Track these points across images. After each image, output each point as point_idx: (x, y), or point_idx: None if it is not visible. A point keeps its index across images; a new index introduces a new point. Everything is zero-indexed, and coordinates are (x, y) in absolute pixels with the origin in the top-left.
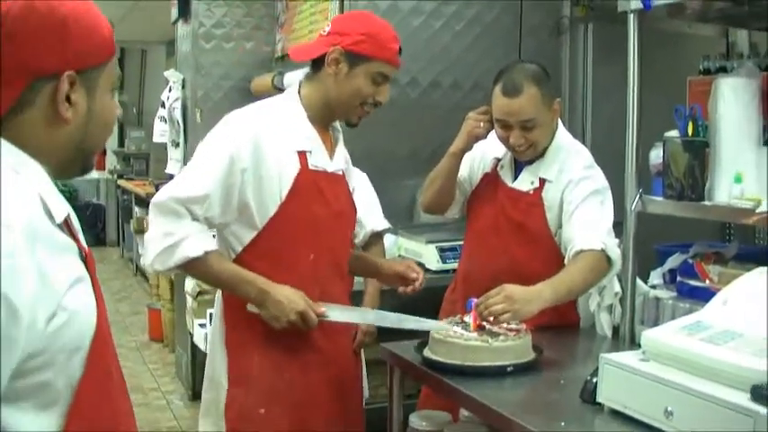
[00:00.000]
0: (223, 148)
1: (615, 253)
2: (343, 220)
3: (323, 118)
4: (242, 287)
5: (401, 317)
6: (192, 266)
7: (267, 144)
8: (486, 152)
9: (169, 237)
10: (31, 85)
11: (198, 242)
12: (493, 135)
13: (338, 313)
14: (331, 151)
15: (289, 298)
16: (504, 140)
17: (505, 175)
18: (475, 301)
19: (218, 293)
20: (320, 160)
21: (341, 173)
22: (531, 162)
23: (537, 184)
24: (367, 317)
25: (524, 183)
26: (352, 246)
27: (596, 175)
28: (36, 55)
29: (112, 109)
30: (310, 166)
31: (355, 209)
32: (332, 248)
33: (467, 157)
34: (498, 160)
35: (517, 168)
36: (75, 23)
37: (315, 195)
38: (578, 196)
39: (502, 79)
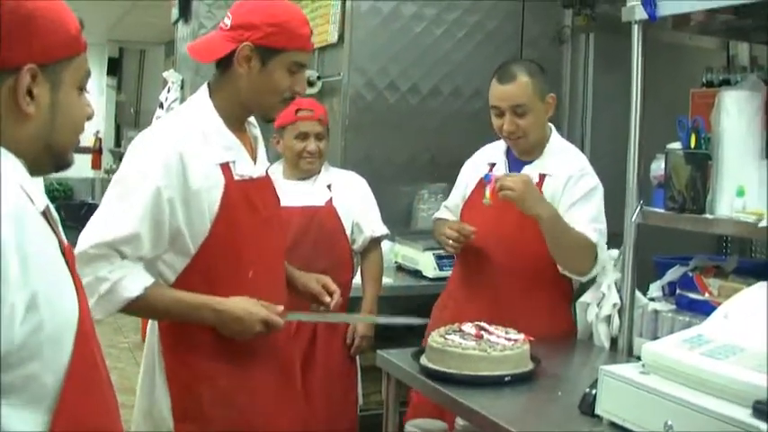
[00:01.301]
0: (146, 180)
1: (602, 256)
2: (275, 226)
3: (239, 119)
4: (194, 314)
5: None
6: (134, 307)
7: (189, 165)
8: (479, 165)
9: (104, 282)
10: None
11: (135, 280)
12: (484, 150)
13: (297, 314)
14: (252, 153)
15: (247, 310)
16: (499, 129)
17: None
18: (494, 174)
19: (152, 321)
20: (245, 168)
21: (265, 174)
22: (529, 162)
23: (537, 180)
24: (327, 316)
25: None
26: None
27: (593, 173)
28: None
29: (81, 107)
30: (236, 177)
31: (279, 210)
32: (268, 259)
33: (460, 183)
34: (492, 165)
35: (513, 170)
36: (40, 19)
37: (244, 207)
38: (580, 191)
39: (498, 71)
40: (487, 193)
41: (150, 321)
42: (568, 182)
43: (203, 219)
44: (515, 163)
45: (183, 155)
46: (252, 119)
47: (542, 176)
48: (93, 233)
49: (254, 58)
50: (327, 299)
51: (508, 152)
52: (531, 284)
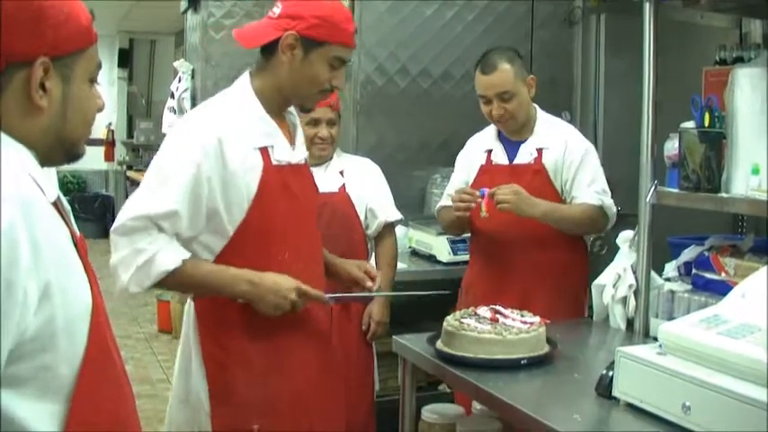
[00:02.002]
0: (187, 159)
1: (612, 211)
2: (311, 212)
3: (279, 107)
4: (231, 286)
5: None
6: (171, 279)
7: (229, 147)
8: (474, 153)
9: (142, 253)
10: (4, 71)
11: (173, 252)
12: (475, 138)
13: (338, 294)
14: (291, 140)
15: (282, 281)
16: (488, 114)
17: (501, 160)
18: (487, 190)
19: (188, 307)
20: (283, 154)
21: (303, 161)
22: (523, 141)
23: (536, 154)
24: (366, 295)
25: (524, 157)
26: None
27: (583, 138)
28: (10, 40)
29: (92, 99)
30: (274, 162)
31: (317, 197)
32: (304, 243)
33: (459, 171)
34: (490, 151)
35: (509, 151)
36: (50, 10)
37: (282, 192)
38: (576, 157)
39: (480, 63)
40: (483, 207)
41: (186, 308)
42: (565, 150)
43: (241, 200)
44: (509, 144)
45: (222, 137)
46: (291, 108)
47: (540, 150)
48: (132, 207)
49: (297, 47)
50: (369, 284)
51: (500, 136)
52: (546, 252)
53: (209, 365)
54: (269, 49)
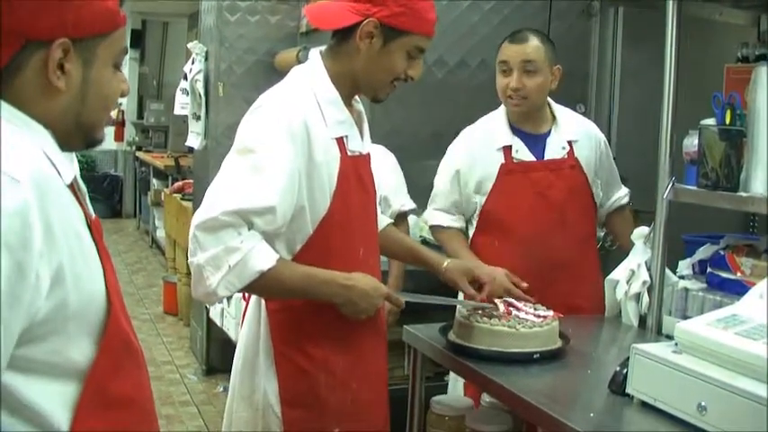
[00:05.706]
0: (281, 152)
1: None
2: (374, 203)
3: (349, 94)
4: (321, 290)
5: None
6: (261, 282)
7: (312, 137)
8: (481, 151)
9: (234, 253)
10: (24, 49)
11: (268, 251)
12: (479, 134)
13: (407, 294)
14: (360, 129)
15: (372, 285)
16: (503, 88)
17: (526, 156)
18: None
19: (256, 303)
20: (356, 144)
21: (367, 152)
22: (546, 134)
23: (568, 148)
24: (432, 298)
25: (556, 151)
26: None
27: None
28: (30, 17)
29: (114, 83)
30: (349, 153)
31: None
32: (371, 235)
33: (463, 176)
34: (507, 148)
35: (532, 146)
36: None
37: (357, 184)
38: (605, 150)
39: (510, 35)
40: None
41: (253, 304)
42: (599, 146)
43: (324, 194)
44: (529, 138)
45: (308, 126)
46: (356, 96)
47: (571, 143)
48: (224, 200)
49: (376, 36)
50: (480, 296)
51: (517, 131)
52: (583, 257)
53: (282, 368)
54: (344, 33)
